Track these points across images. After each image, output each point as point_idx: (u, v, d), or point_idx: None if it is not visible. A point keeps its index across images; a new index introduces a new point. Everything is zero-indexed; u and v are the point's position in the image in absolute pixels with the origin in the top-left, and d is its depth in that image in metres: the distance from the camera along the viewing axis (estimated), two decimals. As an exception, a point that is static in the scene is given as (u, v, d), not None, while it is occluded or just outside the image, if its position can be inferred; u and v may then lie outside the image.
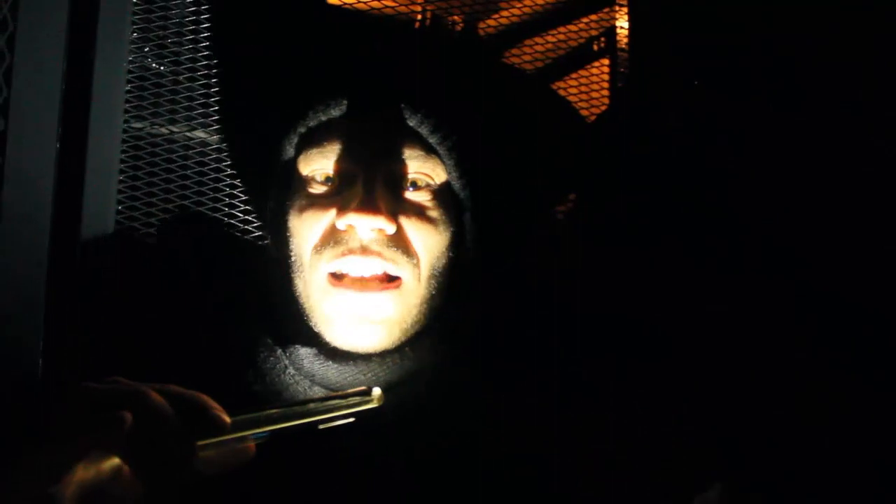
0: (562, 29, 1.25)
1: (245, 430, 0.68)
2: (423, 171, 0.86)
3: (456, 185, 0.88)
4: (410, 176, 0.86)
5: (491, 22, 1.24)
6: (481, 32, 1.24)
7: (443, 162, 0.87)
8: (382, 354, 0.85)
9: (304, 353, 0.86)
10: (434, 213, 0.86)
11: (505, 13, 1.24)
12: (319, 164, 0.86)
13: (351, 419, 0.72)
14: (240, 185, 1.06)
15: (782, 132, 1.07)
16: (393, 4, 1.16)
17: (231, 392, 0.86)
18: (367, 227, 0.81)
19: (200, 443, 0.65)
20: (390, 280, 0.84)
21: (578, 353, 0.91)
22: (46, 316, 0.96)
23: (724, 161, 1.07)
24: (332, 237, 0.84)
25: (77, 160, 0.98)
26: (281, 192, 0.91)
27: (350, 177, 0.85)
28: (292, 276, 0.88)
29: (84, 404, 0.62)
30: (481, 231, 0.91)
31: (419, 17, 1.24)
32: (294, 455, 0.76)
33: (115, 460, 0.63)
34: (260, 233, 1.06)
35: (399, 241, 0.83)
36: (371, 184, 0.83)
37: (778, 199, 1.05)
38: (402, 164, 0.85)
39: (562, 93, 1.23)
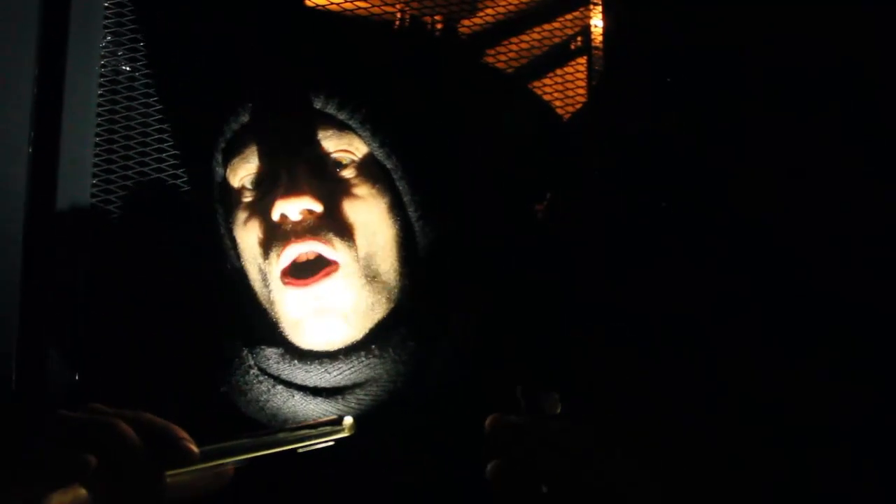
0: (537, 29, 1.25)
1: (215, 459, 0.69)
2: (341, 147, 0.88)
3: (379, 154, 0.89)
4: (333, 156, 0.88)
5: (466, 22, 1.25)
6: (459, 33, 1.24)
7: (359, 135, 0.88)
8: (348, 352, 0.85)
9: (270, 354, 0.87)
10: (361, 189, 0.87)
11: (480, 14, 1.24)
12: (244, 171, 0.88)
13: (330, 443, 0.73)
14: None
15: (756, 128, 1.07)
16: (366, 5, 1.16)
17: (199, 393, 0.88)
18: (294, 209, 0.83)
19: (169, 473, 0.66)
20: (329, 265, 0.84)
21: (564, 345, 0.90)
22: (21, 323, 0.96)
23: (697, 157, 1.07)
24: (273, 235, 0.85)
25: (49, 164, 0.98)
26: (225, 212, 0.93)
27: (275, 173, 0.87)
28: (252, 282, 0.89)
29: (57, 435, 0.64)
30: (422, 197, 0.90)
31: (398, 17, 1.25)
32: (270, 473, 0.77)
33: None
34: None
35: (330, 223, 0.84)
36: (293, 171, 0.85)
37: (757, 194, 1.05)
38: (319, 147, 0.87)
39: (538, 91, 1.24)
